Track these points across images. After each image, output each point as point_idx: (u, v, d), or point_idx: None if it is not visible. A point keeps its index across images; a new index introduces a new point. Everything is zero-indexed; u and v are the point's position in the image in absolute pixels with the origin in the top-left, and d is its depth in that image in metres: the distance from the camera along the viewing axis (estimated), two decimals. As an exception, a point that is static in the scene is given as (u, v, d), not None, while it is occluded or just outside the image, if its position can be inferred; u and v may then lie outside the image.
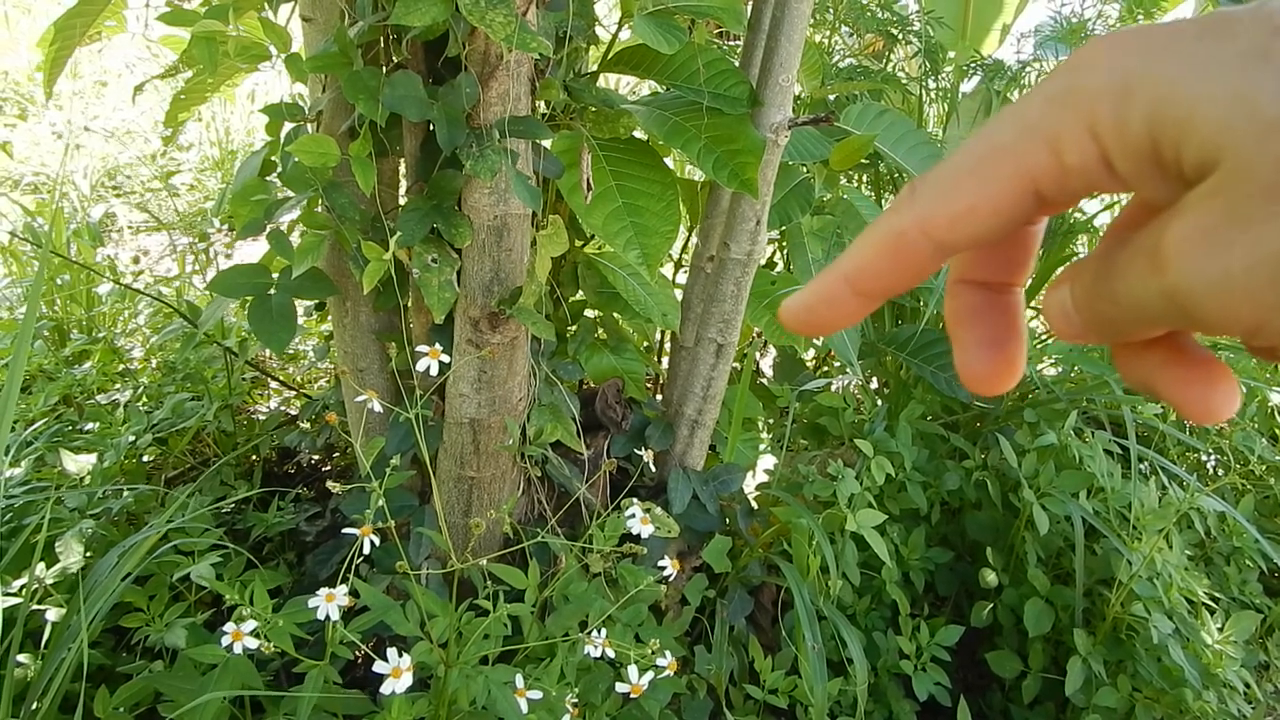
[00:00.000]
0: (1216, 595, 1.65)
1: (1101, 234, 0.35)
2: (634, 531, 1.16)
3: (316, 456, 2.01)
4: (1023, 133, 0.25)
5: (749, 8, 1.41)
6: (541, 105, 1.29)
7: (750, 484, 1.84)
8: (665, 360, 1.88)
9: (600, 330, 1.64)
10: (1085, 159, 0.24)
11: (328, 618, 0.96)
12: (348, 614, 1.00)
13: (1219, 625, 1.51)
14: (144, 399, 1.98)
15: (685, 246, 1.96)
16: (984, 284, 0.31)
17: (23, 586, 1.25)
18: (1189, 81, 0.21)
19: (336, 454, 2.01)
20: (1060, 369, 2.09)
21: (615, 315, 1.61)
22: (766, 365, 2.41)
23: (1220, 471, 2.10)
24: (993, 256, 0.31)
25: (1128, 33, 0.24)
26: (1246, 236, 0.20)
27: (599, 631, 1.10)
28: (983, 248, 0.30)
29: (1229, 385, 0.27)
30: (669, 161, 1.48)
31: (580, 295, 1.54)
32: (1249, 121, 0.20)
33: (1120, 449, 1.71)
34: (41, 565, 1.29)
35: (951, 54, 2.02)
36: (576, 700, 1.10)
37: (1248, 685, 1.46)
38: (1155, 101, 0.22)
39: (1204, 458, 2.16)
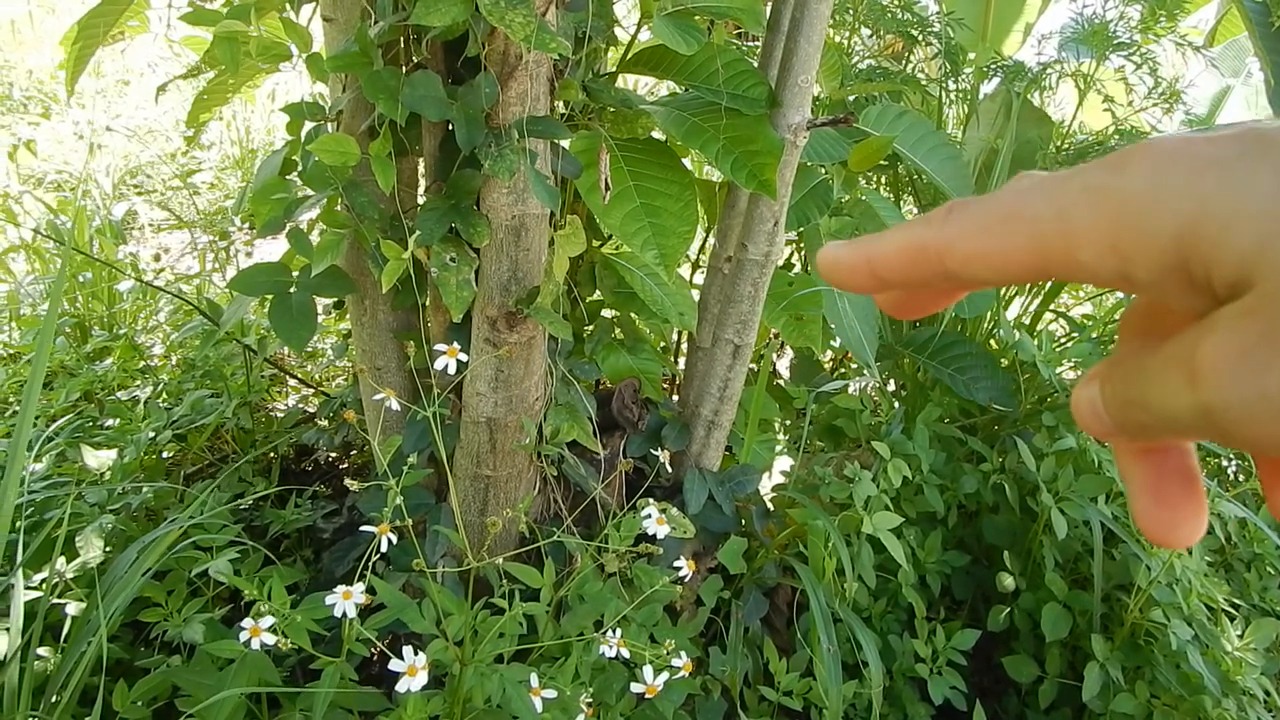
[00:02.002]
0: (1236, 602, 1.63)
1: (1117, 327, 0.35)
2: (649, 532, 1.16)
3: (334, 454, 2.02)
4: (1051, 213, 0.25)
5: (768, 8, 1.40)
6: (560, 105, 1.29)
7: (766, 485, 1.83)
8: (682, 361, 1.88)
9: (617, 330, 1.64)
10: (1098, 262, 0.24)
11: (344, 615, 0.96)
12: (364, 611, 1.00)
13: (1239, 632, 1.50)
14: (164, 396, 2.00)
15: (703, 247, 1.96)
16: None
17: (43, 580, 1.26)
18: (1225, 200, 0.22)
19: (354, 451, 2.02)
20: (1080, 372, 2.07)
21: (632, 315, 1.61)
22: (783, 366, 2.41)
23: (1241, 477, 2.09)
24: None
25: (1172, 140, 0.24)
26: None
27: (614, 631, 1.10)
28: None
29: (1199, 519, 0.28)
30: (687, 162, 1.48)
31: (597, 295, 1.54)
32: None
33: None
34: (62, 559, 1.30)
35: (972, 55, 2.01)
36: (591, 700, 1.10)
37: (1268, 693, 1.45)
38: (1188, 217, 0.22)
39: (1224, 463, 2.14)
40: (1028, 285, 2.16)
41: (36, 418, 1.78)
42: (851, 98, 1.85)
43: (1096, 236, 0.24)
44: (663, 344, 1.91)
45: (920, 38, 1.96)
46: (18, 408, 1.06)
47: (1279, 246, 0.21)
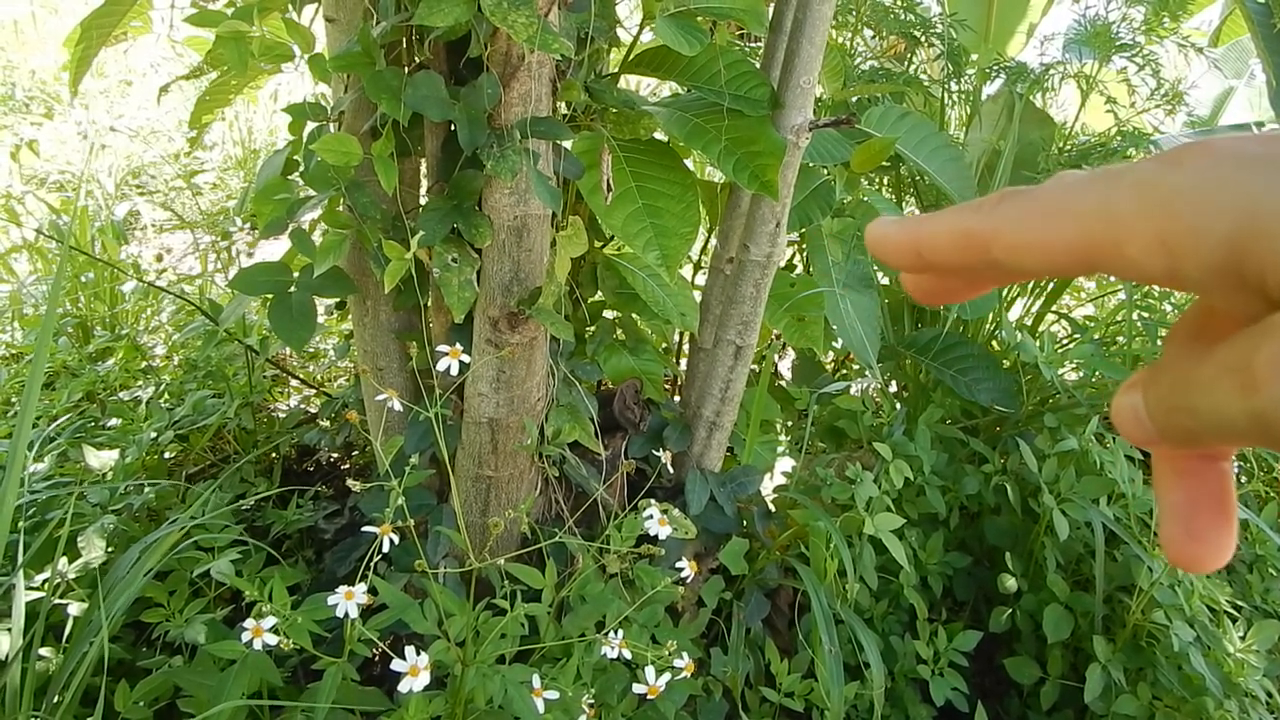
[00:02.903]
0: (1239, 603, 1.63)
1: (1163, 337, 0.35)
2: (651, 532, 1.16)
3: (336, 454, 2.02)
4: (1098, 207, 0.25)
5: (770, 9, 1.40)
6: (562, 106, 1.29)
7: (768, 486, 1.83)
8: (683, 362, 1.87)
9: (619, 331, 1.64)
10: (1148, 259, 0.24)
11: (346, 615, 0.96)
12: (366, 612, 1.00)
13: (1241, 634, 1.49)
14: (166, 396, 2.00)
15: (704, 248, 1.96)
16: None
17: (45, 581, 1.26)
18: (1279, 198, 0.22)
19: (355, 452, 2.02)
20: (1081, 373, 2.07)
21: (634, 316, 1.61)
22: (785, 367, 2.41)
23: (1243, 479, 2.08)
24: None
25: (1227, 139, 0.24)
26: None
27: (615, 632, 1.10)
28: None
29: (1227, 548, 0.28)
30: (689, 163, 1.48)
31: (599, 296, 1.54)
32: None
33: (1141, 454, 1.69)
34: (64, 560, 1.30)
35: (974, 56, 2.01)
36: (593, 701, 1.10)
37: (1270, 695, 1.45)
38: (1242, 213, 0.22)
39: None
40: (1029, 286, 2.16)
41: (39, 418, 1.78)
42: (854, 99, 1.85)
43: (1145, 232, 0.24)
44: (664, 345, 1.91)
45: (923, 39, 1.95)
46: (19, 408, 1.06)
47: None
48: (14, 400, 1.98)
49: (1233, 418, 0.23)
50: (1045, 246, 0.26)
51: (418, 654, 0.95)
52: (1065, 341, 2.08)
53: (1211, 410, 0.23)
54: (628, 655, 1.09)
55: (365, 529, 1.05)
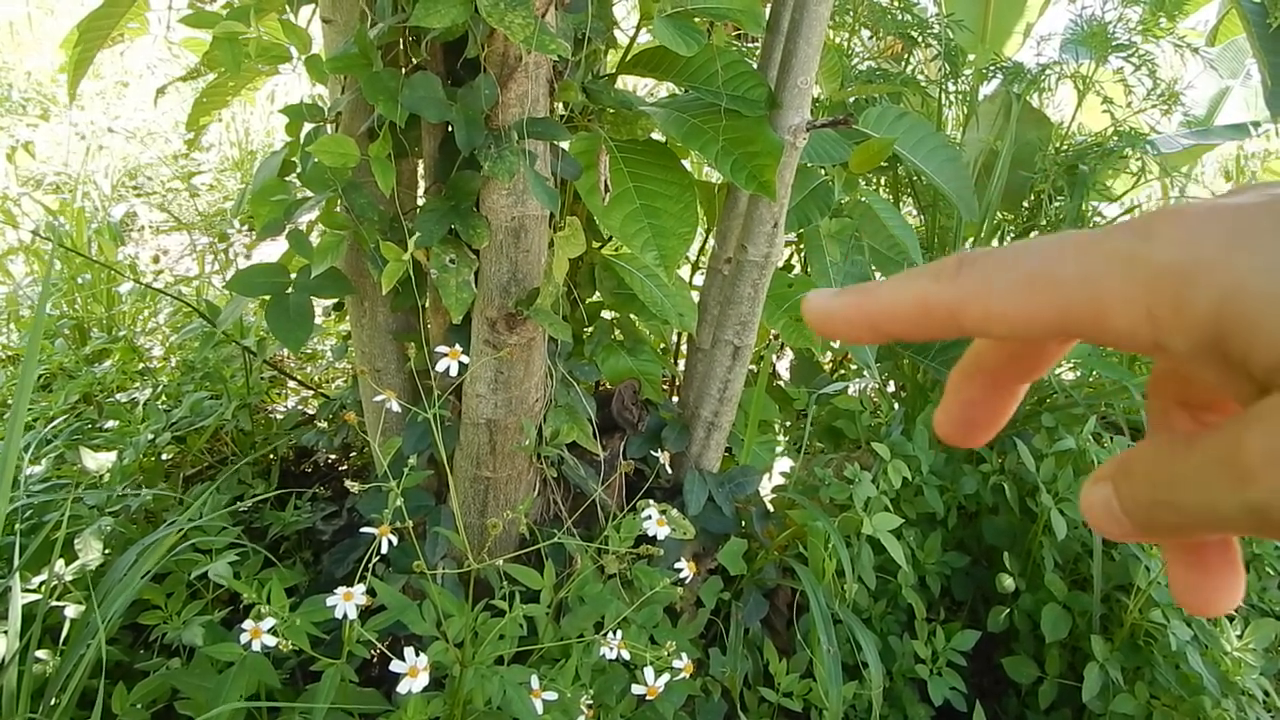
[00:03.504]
0: (1236, 602, 1.63)
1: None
2: (650, 533, 1.16)
3: (333, 456, 2.02)
4: (1077, 278, 0.25)
5: (767, 10, 1.40)
6: (560, 107, 1.29)
7: (766, 486, 1.83)
8: (682, 362, 1.87)
9: (617, 332, 1.64)
10: (1134, 332, 0.24)
11: (345, 616, 0.96)
12: (364, 613, 1.00)
13: (1238, 632, 1.50)
14: (163, 397, 1.99)
15: (702, 248, 1.96)
16: None
17: (42, 583, 1.26)
18: (1262, 278, 0.21)
19: (353, 453, 2.02)
20: (1079, 373, 2.07)
21: (632, 317, 1.61)
22: (783, 368, 2.41)
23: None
24: None
25: (1200, 209, 0.24)
26: None
27: (614, 633, 1.10)
28: None
29: (1238, 589, 0.28)
30: (687, 164, 1.48)
31: (597, 296, 1.54)
32: None
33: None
34: (61, 562, 1.30)
35: (971, 57, 2.01)
36: (591, 701, 1.10)
37: (1267, 693, 1.45)
38: (1225, 293, 0.22)
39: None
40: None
41: (35, 420, 1.78)
42: (851, 99, 1.85)
43: (1132, 306, 0.23)
44: (662, 345, 1.91)
45: (920, 39, 1.96)
46: (12, 410, 1.06)
47: None
48: (9, 403, 1.98)
49: (1226, 512, 0.22)
50: (1022, 317, 0.26)
51: (416, 655, 0.95)
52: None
53: (1201, 506, 0.23)
54: (626, 656, 1.09)
55: (363, 530, 1.05)
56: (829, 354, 2.19)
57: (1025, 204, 2.07)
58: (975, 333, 0.27)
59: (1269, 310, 0.21)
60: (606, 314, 1.63)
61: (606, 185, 1.29)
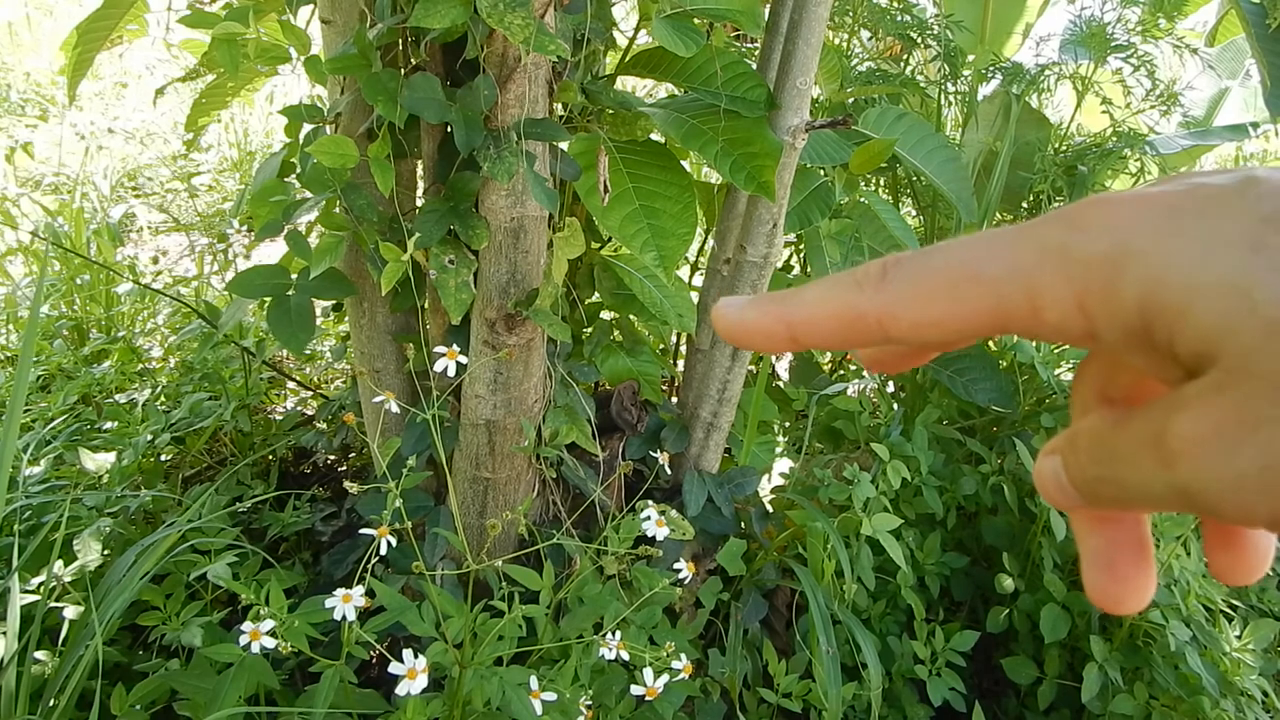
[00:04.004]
0: (1235, 603, 1.63)
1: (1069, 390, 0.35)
2: (649, 534, 1.16)
3: (332, 457, 2.02)
4: (1009, 273, 0.25)
5: (766, 11, 1.40)
6: (559, 107, 1.29)
7: (765, 487, 1.83)
8: (681, 363, 1.87)
9: (616, 332, 1.64)
10: (1066, 323, 0.24)
11: (344, 618, 0.96)
12: (363, 614, 1.00)
13: (1237, 633, 1.50)
14: (162, 398, 1.99)
15: (701, 249, 1.96)
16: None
17: (41, 584, 1.25)
18: (1184, 267, 0.22)
19: (352, 454, 2.02)
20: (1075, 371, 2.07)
21: (631, 317, 1.61)
22: (782, 368, 2.41)
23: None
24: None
25: (1128, 199, 0.24)
26: (1258, 437, 0.20)
27: (613, 633, 1.10)
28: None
29: (1147, 590, 0.28)
30: (686, 164, 1.48)
31: (596, 297, 1.54)
32: (1249, 319, 0.20)
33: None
34: (60, 563, 1.29)
35: (970, 57, 2.01)
36: (591, 702, 1.10)
37: (1266, 694, 1.45)
38: (1150, 283, 0.22)
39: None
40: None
41: (34, 420, 1.78)
42: (851, 100, 1.85)
43: (1063, 297, 0.24)
44: (661, 346, 1.91)
45: (919, 40, 1.96)
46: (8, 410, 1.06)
47: (1241, 321, 0.21)
48: (7, 404, 1.98)
49: (1155, 490, 0.23)
50: (954, 319, 0.26)
51: (415, 656, 0.95)
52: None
53: (1133, 482, 0.23)
54: (626, 656, 1.09)
55: (362, 531, 1.05)
56: (828, 354, 2.19)
57: (1024, 204, 2.07)
58: (905, 341, 0.27)
59: (1191, 298, 0.21)
60: (605, 315, 1.63)
61: (606, 186, 1.29)
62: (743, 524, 1.57)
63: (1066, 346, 1.88)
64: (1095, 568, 0.29)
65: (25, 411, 1.74)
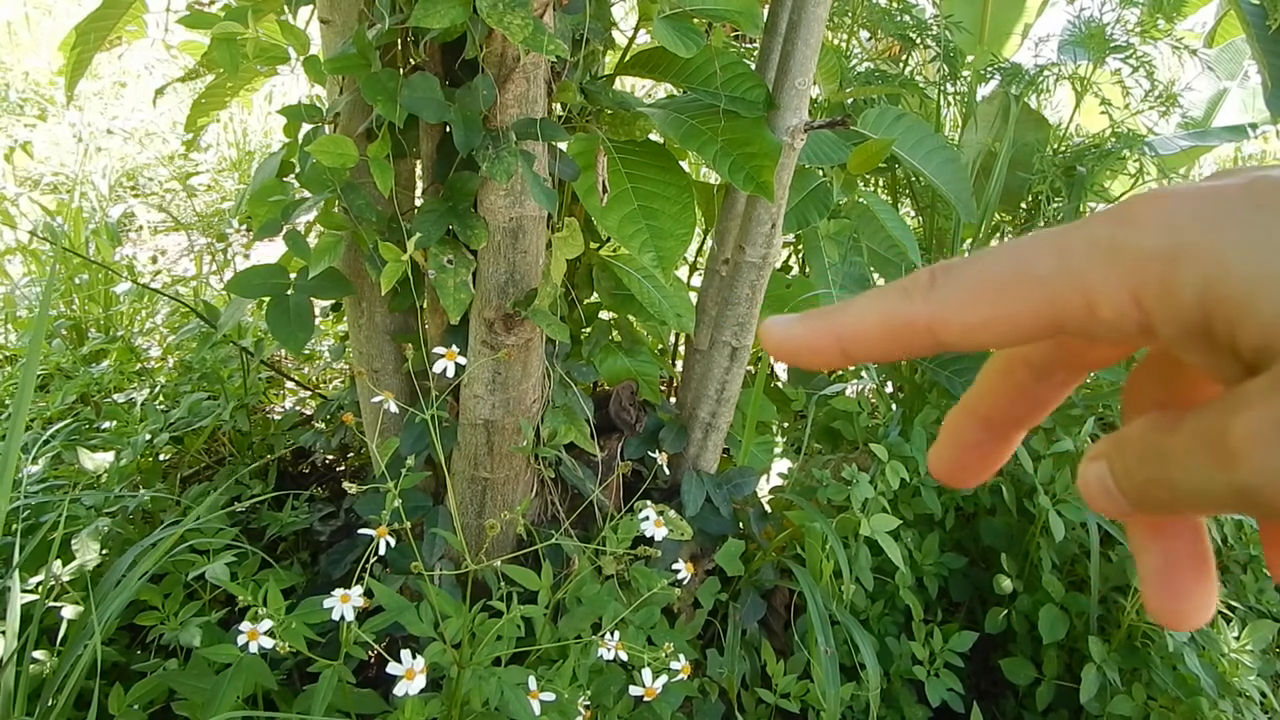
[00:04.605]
0: (1233, 604, 1.63)
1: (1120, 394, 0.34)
2: (647, 534, 1.16)
3: (331, 456, 2.02)
4: (1061, 272, 0.24)
5: (765, 11, 1.40)
6: (558, 108, 1.29)
7: (764, 487, 1.83)
8: (679, 363, 1.87)
9: (615, 332, 1.64)
10: (1122, 319, 0.24)
11: (342, 618, 0.96)
12: (362, 614, 1.00)
13: (1235, 634, 1.50)
14: (161, 398, 1.99)
15: (700, 249, 1.96)
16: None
17: (39, 583, 1.25)
18: (1245, 259, 0.21)
19: (351, 454, 2.02)
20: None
21: (630, 318, 1.61)
22: (781, 369, 2.41)
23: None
24: None
25: (1182, 193, 0.23)
26: None
27: (612, 634, 1.10)
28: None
29: (1209, 604, 0.28)
30: (685, 164, 1.48)
31: (595, 297, 1.54)
32: None
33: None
34: (58, 562, 1.29)
35: (970, 58, 2.01)
36: (589, 702, 1.10)
37: (1264, 695, 1.45)
38: (1209, 276, 0.22)
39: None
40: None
41: (32, 420, 1.78)
42: (849, 100, 1.85)
43: (1119, 293, 0.23)
44: (660, 346, 1.91)
45: (918, 41, 1.96)
46: (12, 410, 1.06)
47: None
48: (8, 403, 1.98)
49: (1213, 491, 0.22)
50: (1007, 321, 0.25)
51: (414, 656, 0.95)
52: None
53: (1189, 484, 0.23)
54: (624, 657, 1.09)
55: (361, 531, 1.05)
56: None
57: (1023, 205, 2.07)
58: (958, 347, 0.27)
59: (1254, 290, 0.21)
60: (604, 315, 1.63)
61: (604, 186, 1.29)
62: (741, 524, 1.57)
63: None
64: (1155, 584, 0.28)
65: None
